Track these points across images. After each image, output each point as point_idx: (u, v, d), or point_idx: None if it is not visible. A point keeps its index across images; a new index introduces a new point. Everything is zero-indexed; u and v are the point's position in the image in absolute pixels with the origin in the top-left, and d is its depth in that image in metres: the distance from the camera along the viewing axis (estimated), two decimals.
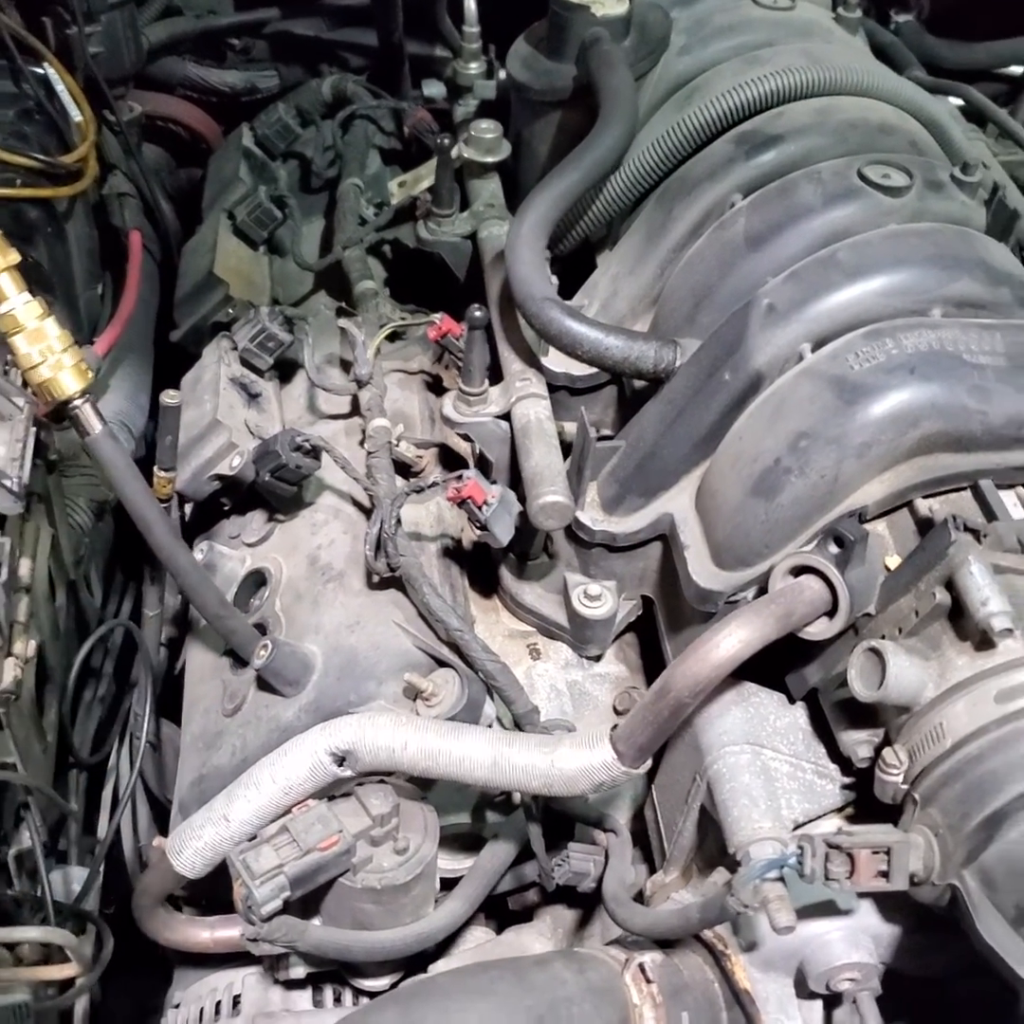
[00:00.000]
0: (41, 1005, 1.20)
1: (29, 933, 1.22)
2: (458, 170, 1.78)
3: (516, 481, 1.45)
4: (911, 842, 1.07)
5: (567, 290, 1.64)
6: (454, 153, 1.76)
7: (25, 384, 1.28)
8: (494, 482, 1.42)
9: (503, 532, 1.37)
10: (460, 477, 1.36)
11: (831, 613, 1.16)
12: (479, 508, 1.35)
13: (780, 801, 1.19)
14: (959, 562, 1.10)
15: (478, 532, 1.37)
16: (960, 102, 1.92)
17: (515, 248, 1.42)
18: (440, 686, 1.35)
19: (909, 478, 1.21)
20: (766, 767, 1.21)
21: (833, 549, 1.16)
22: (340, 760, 1.22)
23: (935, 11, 2.52)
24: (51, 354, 1.21)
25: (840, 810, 1.25)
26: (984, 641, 1.10)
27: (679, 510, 1.37)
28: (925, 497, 1.23)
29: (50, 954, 1.31)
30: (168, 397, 1.38)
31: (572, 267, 1.71)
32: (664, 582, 1.44)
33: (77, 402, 1.22)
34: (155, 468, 1.44)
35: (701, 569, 1.30)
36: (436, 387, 1.77)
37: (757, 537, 1.25)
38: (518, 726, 1.35)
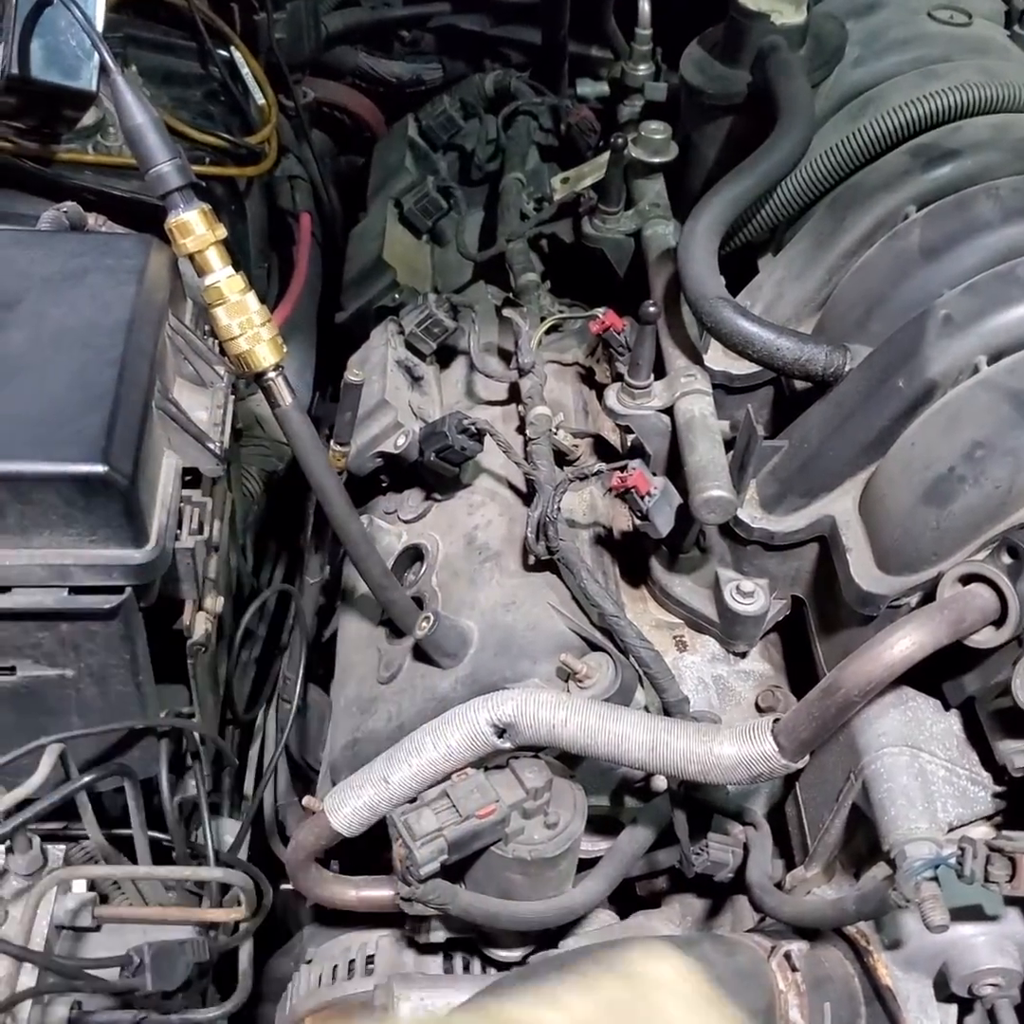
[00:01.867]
0: (213, 944, 1.26)
1: (214, 873, 1.29)
2: (623, 169, 1.82)
3: (673, 475, 1.48)
4: None
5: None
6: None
7: (222, 352, 1.34)
8: (654, 474, 1.46)
9: (663, 523, 1.40)
10: (625, 467, 1.40)
11: (999, 623, 1.17)
12: (642, 498, 1.38)
13: (936, 804, 1.20)
14: None
15: (638, 521, 1.41)
16: None
17: (689, 247, 1.46)
18: (594, 669, 1.38)
19: None
20: (923, 770, 1.22)
21: (1006, 559, 1.17)
22: (501, 732, 1.26)
23: None
24: (251, 327, 1.27)
25: (990, 818, 1.26)
26: None
27: (841, 512, 1.39)
28: None
29: (209, 898, 1.37)
30: (352, 375, 1.43)
31: (730, 270, 1.73)
32: (818, 584, 1.46)
33: (271, 374, 1.28)
34: (332, 442, 1.50)
35: (864, 572, 1.32)
36: (589, 380, 1.81)
37: (926, 544, 1.26)
38: (668, 714, 1.39)
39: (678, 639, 1.54)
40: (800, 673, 1.52)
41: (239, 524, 1.64)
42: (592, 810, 1.44)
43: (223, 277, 1.26)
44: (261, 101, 1.90)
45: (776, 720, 1.20)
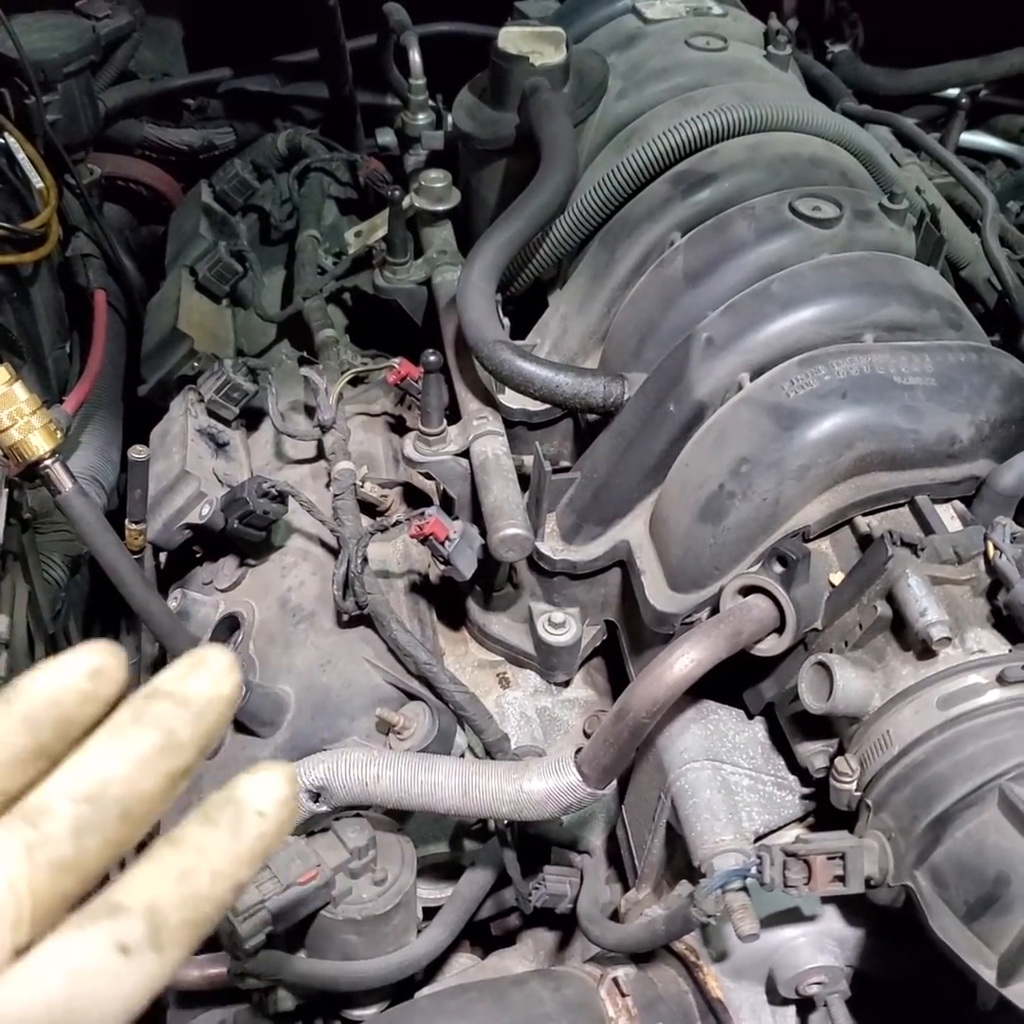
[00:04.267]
0: None
1: None
2: (411, 219, 1.84)
3: (479, 516, 1.50)
4: (865, 846, 1.12)
5: (524, 327, 1.70)
6: (406, 202, 1.82)
7: None
8: (456, 518, 1.47)
9: (466, 566, 1.41)
10: (422, 514, 1.41)
11: (780, 630, 1.21)
12: (442, 544, 1.40)
13: (741, 814, 1.23)
14: (897, 576, 1.15)
15: (442, 567, 1.42)
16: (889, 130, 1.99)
17: (465, 295, 1.48)
18: (411, 719, 1.39)
19: (848, 497, 1.27)
20: (726, 781, 1.25)
21: (778, 568, 1.21)
22: (315, 796, 1.26)
23: (870, 40, 2.61)
24: (20, 417, 1.26)
25: (801, 820, 1.29)
26: (925, 651, 1.14)
27: (634, 537, 1.42)
28: (865, 515, 1.28)
29: None
30: (135, 452, 1.42)
31: (527, 306, 1.77)
32: (625, 606, 1.49)
33: (47, 462, 1.27)
34: (126, 521, 1.49)
35: (657, 593, 1.35)
36: (399, 428, 1.82)
37: (707, 560, 1.30)
38: (489, 754, 1.40)
39: (501, 676, 1.55)
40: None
41: (47, 613, 1.61)
42: (433, 857, 1.44)
43: None
44: (40, 185, 1.88)
45: (578, 750, 1.23)
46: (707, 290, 1.45)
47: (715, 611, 1.29)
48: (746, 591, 1.23)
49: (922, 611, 1.13)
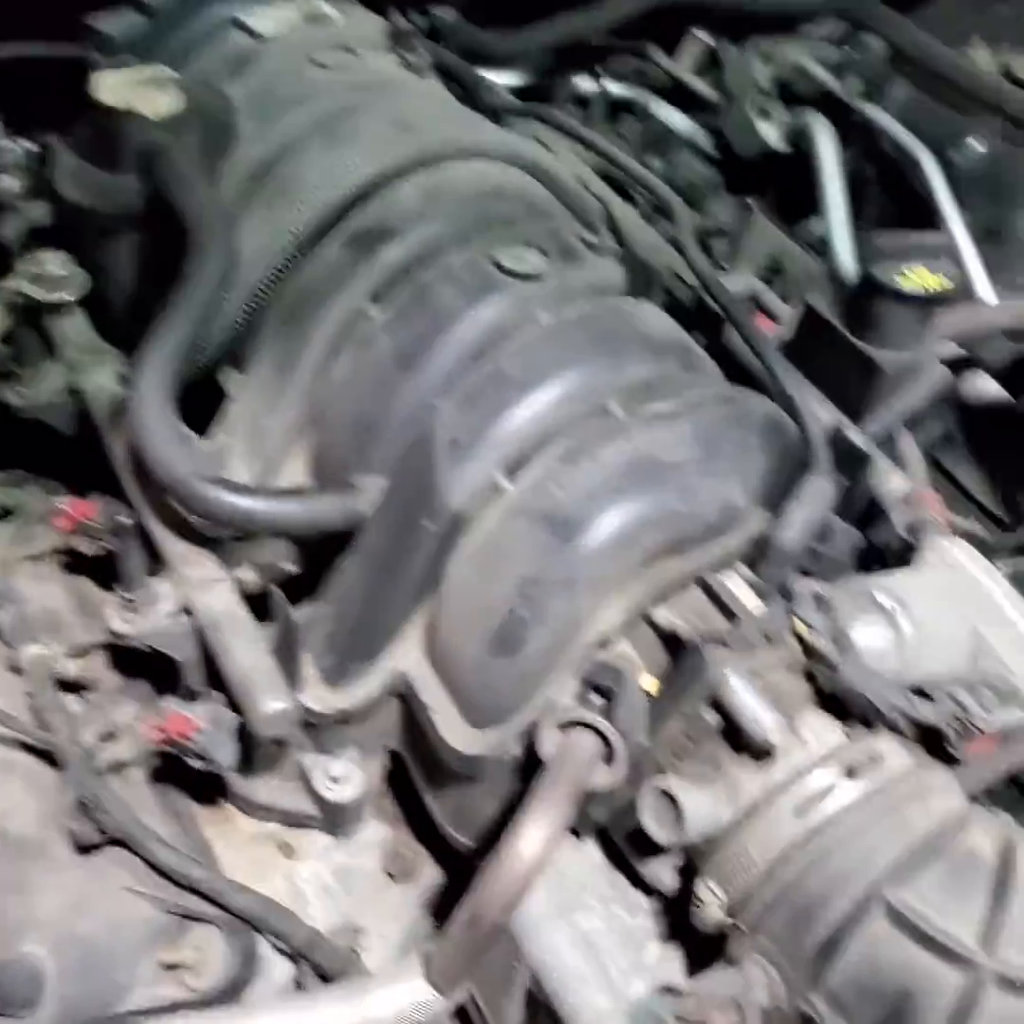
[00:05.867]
0: None
1: None
2: (31, 310, 1.51)
3: (214, 675, 1.28)
4: (754, 981, 1.05)
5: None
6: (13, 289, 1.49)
7: None
8: (193, 693, 1.25)
9: (227, 755, 1.21)
10: (158, 712, 1.18)
11: (609, 759, 1.10)
12: (190, 741, 1.18)
13: (608, 966, 1.13)
14: (718, 681, 1.07)
15: (199, 766, 1.20)
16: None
17: (143, 424, 1.22)
18: (201, 950, 1.18)
19: (641, 594, 1.17)
20: (584, 935, 1.14)
21: (596, 700, 1.10)
22: None
23: None
24: None
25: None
26: (763, 752, 1.08)
27: (411, 666, 1.26)
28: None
29: None
30: None
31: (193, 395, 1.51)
32: (410, 735, 1.32)
33: None
34: None
35: (455, 732, 1.21)
36: (77, 561, 1.53)
37: (509, 693, 1.17)
38: (303, 957, 1.22)
39: (282, 846, 1.36)
40: (419, 817, 1.39)
41: None
42: None
43: None
44: None
45: (426, 952, 1.07)
46: (425, 373, 1.28)
47: (529, 745, 1.16)
48: (565, 726, 1.11)
49: (754, 718, 1.06)
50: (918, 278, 1.41)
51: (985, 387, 2.02)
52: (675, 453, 1.18)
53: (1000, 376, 2.02)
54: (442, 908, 1.38)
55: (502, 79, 2.25)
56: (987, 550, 1.58)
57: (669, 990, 1.10)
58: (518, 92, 2.24)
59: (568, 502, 1.14)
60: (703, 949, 1.14)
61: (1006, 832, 1.05)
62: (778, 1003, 1.05)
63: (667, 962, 1.19)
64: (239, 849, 1.34)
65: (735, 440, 1.22)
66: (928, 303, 1.43)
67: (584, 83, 2.33)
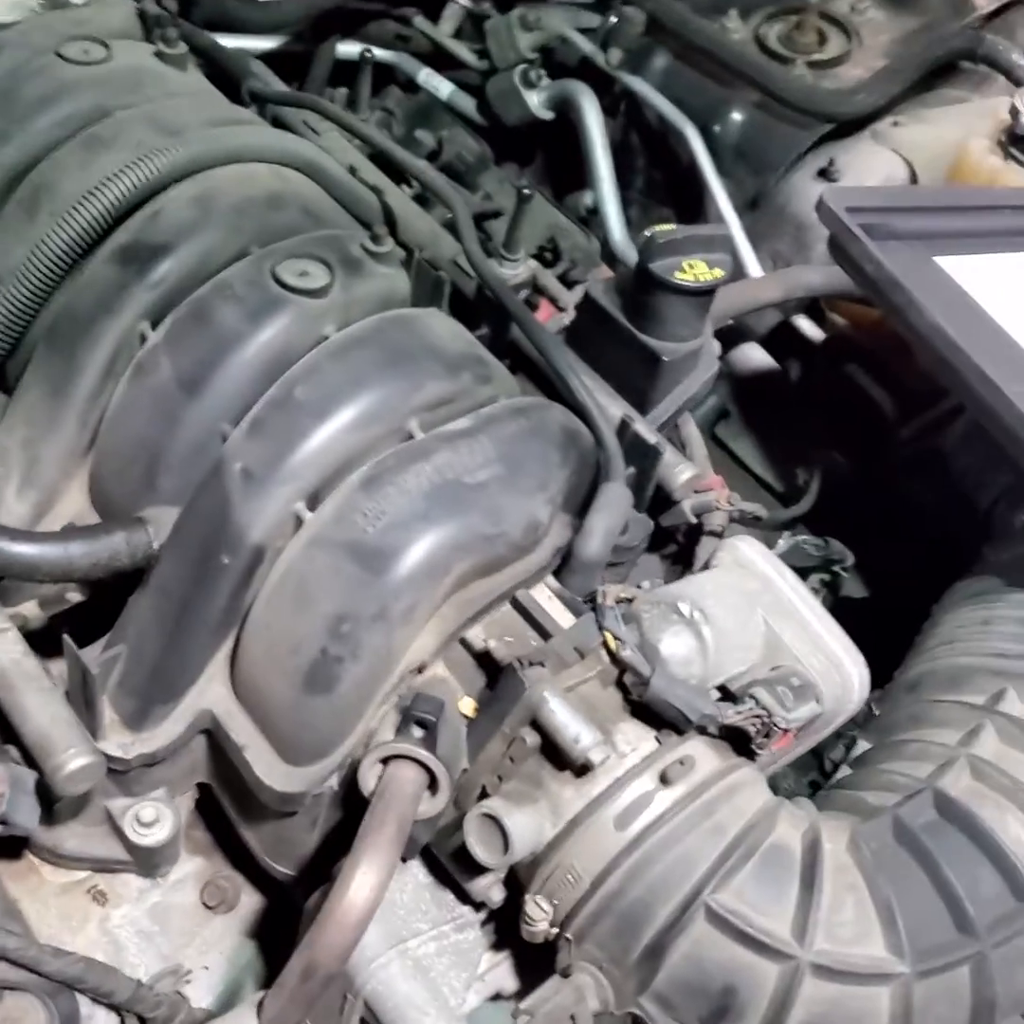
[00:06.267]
0: None
1: None
2: None
3: (5, 728, 1.21)
4: (584, 988, 1.09)
5: None
6: None
7: None
8: None
9: (29, 817, 1.14)
10: None
11: (433, 788, 1.10)
12: None
13: (443, 989, 1.14)
14: (537, 702, 1.09)
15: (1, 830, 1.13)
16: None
17: None
18: (18, 1019, 1.13)
19: (454, 618, 1.17)
20: (417, 962, 1.14)
21: (418, 733, 1.10)
22: None
23: None
24: None
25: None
26: (583, 768, 1.10)
27: (217, 702, 1.22)
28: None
29: None
30: None
31: None
32: (220, 768, 1.29)
33: None
34: None
35: (271, 770, 1.18)
36: None
37: (326, 731, 1.15)
38: (129, 1012, 1.18)
39: (94, 892, 1.30)
40: (232, 843, 1.36)
41: None
42: None
43: None
44: None
45: (260, 1008, 1.06)
46: (211, 398, 1.23)
47: (350, 777, 1.15)
48: (386, 760, 1.10)
49: (575, 737, 1.08)
50: (696, 271, 1.45)
51: (753, 355, 2.11)
52: (478, 474, 1.17)
53: (765, 342, 2.11)
54: (264, 933, 1.36)
55: (260, 45, 2.17)
56: (767, 527, 1.67)
57: (501, 997, 1.14)
58: (277, 57, 2.16)
59: (374, 533, 1.12)
60: (533, 949, 1.17)
61: (811, 822, 1.12)
62: (608, 1007, 1.09)
63: (498, 967, 1.23)
64: (48, 902, 1.27)
65: (536, 454, 1.23)
66: (706, 294, 1.46)
67: (345, 47, 2.26)
